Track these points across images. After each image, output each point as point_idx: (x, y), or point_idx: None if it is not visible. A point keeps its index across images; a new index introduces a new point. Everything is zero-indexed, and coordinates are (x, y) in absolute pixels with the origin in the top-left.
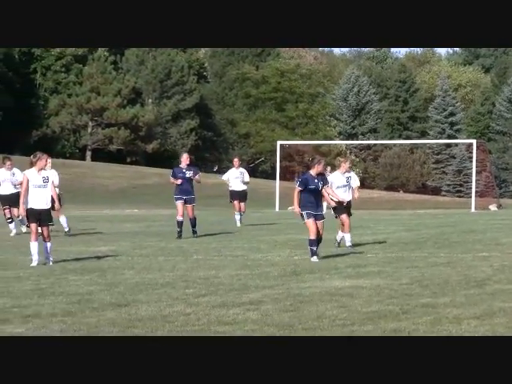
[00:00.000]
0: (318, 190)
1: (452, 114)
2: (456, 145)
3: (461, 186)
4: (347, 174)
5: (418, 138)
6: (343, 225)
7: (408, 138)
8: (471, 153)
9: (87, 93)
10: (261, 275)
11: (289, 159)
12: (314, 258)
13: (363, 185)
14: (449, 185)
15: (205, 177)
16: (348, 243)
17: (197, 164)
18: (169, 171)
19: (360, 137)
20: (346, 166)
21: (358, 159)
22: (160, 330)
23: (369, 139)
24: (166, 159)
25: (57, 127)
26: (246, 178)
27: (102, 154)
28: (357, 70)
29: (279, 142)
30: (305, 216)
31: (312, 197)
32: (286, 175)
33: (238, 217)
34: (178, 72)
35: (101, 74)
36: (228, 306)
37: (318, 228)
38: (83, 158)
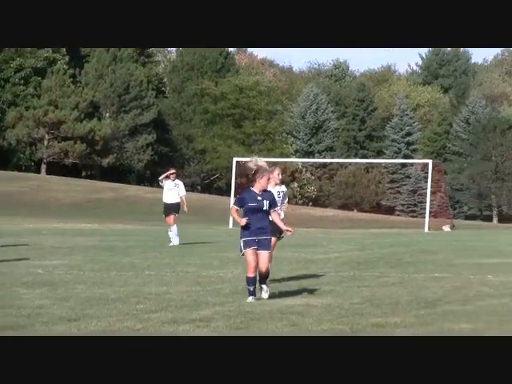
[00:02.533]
0: (262, 209)
1: (409, 134)
2: (412, 164)
3: (415, 205)
4: (279, 188)
5: (374, 157)
6: None
7: (364, 156)
8: (427, 173)
9: (45, 106)
10: (212, 292)
11: (244, 176)
12: (250, 299)
13: (317, 203)
14: (403, 204)
15: (159, 192)
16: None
17: (152, 179)
18: (124, 186)
19: (316, 155)
20: (275, 176)
21: (313, 177)
22: None
23: (325, 157)
24: (121, 174)
25: (13, 140)
26: (182, 191)
27: (57, 168)
28: (315, 88)
29: (235, 159)
30: (242, 246)
31: (254, 219)
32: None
33: (170, 233)
34: (137, 86)
35: (59, 87)
36: (178, 323)
37: (261, 261)
38: (38, 171)
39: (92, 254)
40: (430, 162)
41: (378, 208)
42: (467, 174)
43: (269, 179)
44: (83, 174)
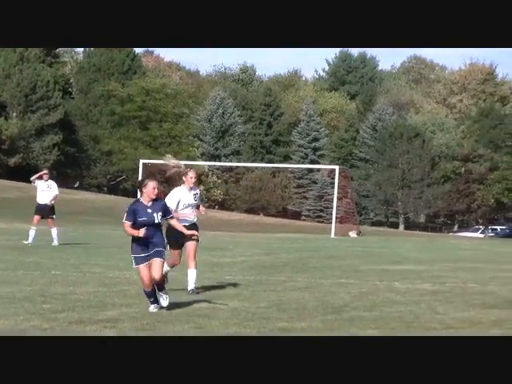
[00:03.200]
0: (154, 223)
1: (316, 140)
2: (318, 170)
3: (321, 211)
4: (194, 191)
5: (281, 162)
6: (187, 256)
7: (271, 161)
8: (333, 179)
9: None
10: (119, 293)
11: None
12: (152, 308)
13: (223, 206)
14: (309, 210)
15: (66, 193)
16: (191, 285)
17: (58, 179)
18: (30, 186)
19: (223, 158)
20: (191, 179)
21: (219, 181)
22: None
23: (231, 161)
24: (27, 173)
25: None
26: (54, 191)
27: None
28: (222, 92)
29: (142, 161)
30: (133, 261)
31: (145, 233)
32: None
33: (32, 231)
34: (44, 87)
35: None
36: (85, 323)
37: (153, 269)
38: None
39: None
40: (336, 167)
41: (284, 213)
42: (374, 181)
43: (154, 188)
44: None
